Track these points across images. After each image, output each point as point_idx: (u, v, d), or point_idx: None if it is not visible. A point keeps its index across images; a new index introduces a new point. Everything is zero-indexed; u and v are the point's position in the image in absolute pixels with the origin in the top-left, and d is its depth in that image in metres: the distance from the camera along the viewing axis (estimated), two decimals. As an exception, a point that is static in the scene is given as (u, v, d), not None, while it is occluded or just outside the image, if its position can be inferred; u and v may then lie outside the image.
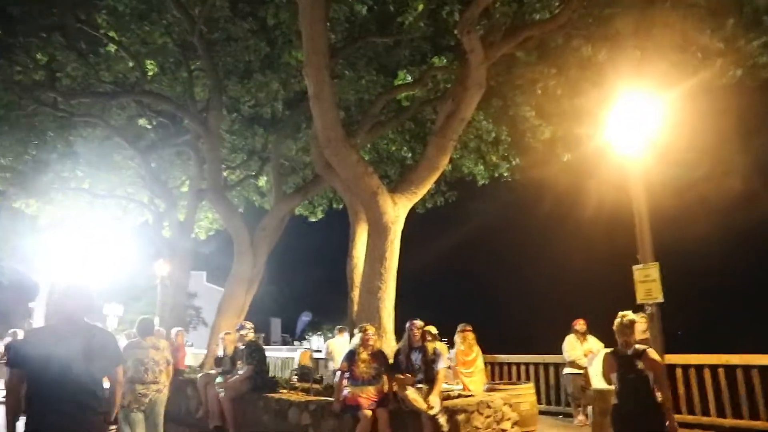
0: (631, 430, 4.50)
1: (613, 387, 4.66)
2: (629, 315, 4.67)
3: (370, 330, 6.62)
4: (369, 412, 6.09)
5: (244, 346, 8.14)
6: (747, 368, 7.49)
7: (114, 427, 5.79)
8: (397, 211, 7.71)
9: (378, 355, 6.54)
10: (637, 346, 4.59)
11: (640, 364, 4.46)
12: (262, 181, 14.48)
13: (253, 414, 7.69)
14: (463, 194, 12.17)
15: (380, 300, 7.42)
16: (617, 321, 4.67)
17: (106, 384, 4.02)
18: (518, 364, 10.07)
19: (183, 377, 9.98)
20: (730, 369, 7.65)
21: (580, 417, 8.63)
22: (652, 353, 4.56)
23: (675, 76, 8.05)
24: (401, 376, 6.28)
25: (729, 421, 7.61)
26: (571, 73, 9.03)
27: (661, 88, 7.74)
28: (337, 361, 8.33)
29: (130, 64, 11.85)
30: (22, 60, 11.39)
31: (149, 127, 13.96)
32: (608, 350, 4.81)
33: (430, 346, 6.43)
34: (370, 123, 10.40)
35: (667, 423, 4.40)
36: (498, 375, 10.14)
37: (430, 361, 6.32)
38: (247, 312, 11.51)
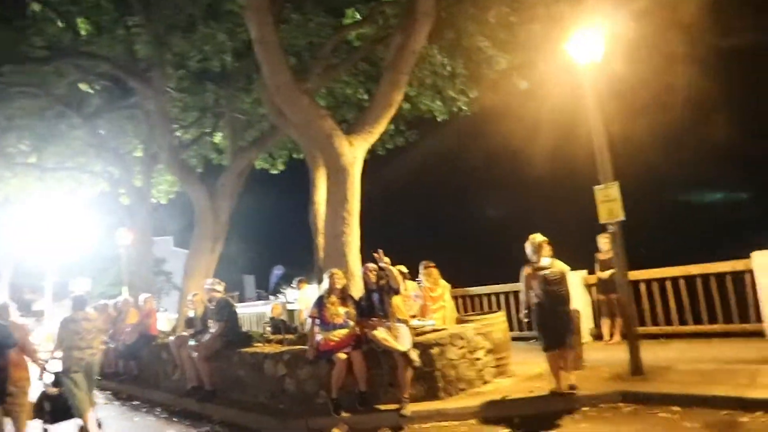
0: (556, 322, 5.74)
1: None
2: (538, 237, 5.88)
3: (338, 274, 6.57)
4: (343, 356, 6.11)
5: (213, 305, 8.04)
6: (705, 276, 7.76)
7: (57, 389, 6.43)
8: (354, 152, 7.53)
9: (347, 299, 6.52)
10: (545, 260, 5.83)
11: (557, 272, 5.76)
12: (218, 137, 14.00)
13: (229, 370, 7.67)
14: (423, 132, 11.99)
15: (345, 244, 7.34)
16: (528, 243, 5.91)
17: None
18: (489, 295, 10.24)
19: (156, 342, 9.89)
20: (690, 279, 7.91)
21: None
22: (558, 263, 5.89)
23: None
24: (368, 321, 6.30)
25: (690, 328, 7.94)
26: (524, -2, 8.78)
27: (615, 7, 7.60)
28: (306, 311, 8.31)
29: (60, 24, 11.09)
30: (-61, 28, 10.52)
31: (92, 91, 13.23)
32: (528, 266, 5.92)
33: (383, 282, 6.40)
34: (321, 66, 10.02)
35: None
36: (471, 307, 10.30)
37: (388, 298, 6.33)
38: (216, 271, 11.35)
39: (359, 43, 10.64)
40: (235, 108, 12.39)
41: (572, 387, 5.77)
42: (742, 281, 7.49)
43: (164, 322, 12.31)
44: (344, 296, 6.52)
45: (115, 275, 23.50)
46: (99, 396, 9.51)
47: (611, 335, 8.58)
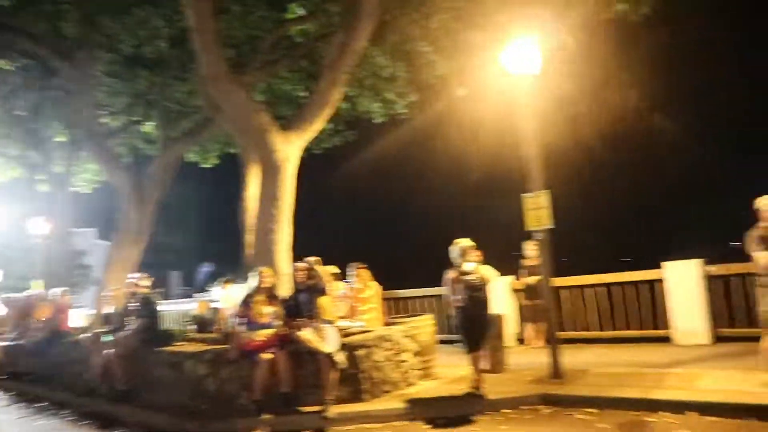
0: (478, 326, 5.99)
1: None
2: (464, 242, 6.01)
3: (266, 272, 6.42)
4: (267, 356, 5.96)
5: (135, 301, 7.66)
6: (621, 285, 8.19)
7: None
8: (288, 149, 7.41)
9: (274, 298, 6.38)
10: (469, 265, 5.94)
11: (479, 278, 5.92)
12: (149, 127, 13.38)
13: (146, 369, 7.30)
14: (362, 134, 11.98)
15: (273, 242, 7.20)
16: (453, 247, 6.01)
17: None
18: (419, 298, 10.33)
19: (68, 340, 9.30)
20: (607, 287, 8.31)
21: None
22: (482, 268, 6.05)
23: (563, 9, 8.24)
24: (294, 321, 6.20)
25: (608, 333, 8.34)
26: (466, 5, 8.95)
27: (551, 21, 7.89)
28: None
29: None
30: None
31: (11, 68, 12.31)
32: (453, 270, 6.01)
33: (311, 282, 6.34)
34: (260, 60, 9.80)
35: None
36: (402, 310, 10.34)
37: (315, 299, 6.27)
38: (140, 266, 10.84)
39: (301, 39, 10.48)
40: (169, 97, 11.89)
41: (477, 389, 5.89)
42: (654, 290, 7.94)
43: (80, 318, 11.62)
44: (271, 295, 6.38)
45: (28, 267, 21.96)
46: (1, 397, 8.86)
47: (536, 339, 8.84)
